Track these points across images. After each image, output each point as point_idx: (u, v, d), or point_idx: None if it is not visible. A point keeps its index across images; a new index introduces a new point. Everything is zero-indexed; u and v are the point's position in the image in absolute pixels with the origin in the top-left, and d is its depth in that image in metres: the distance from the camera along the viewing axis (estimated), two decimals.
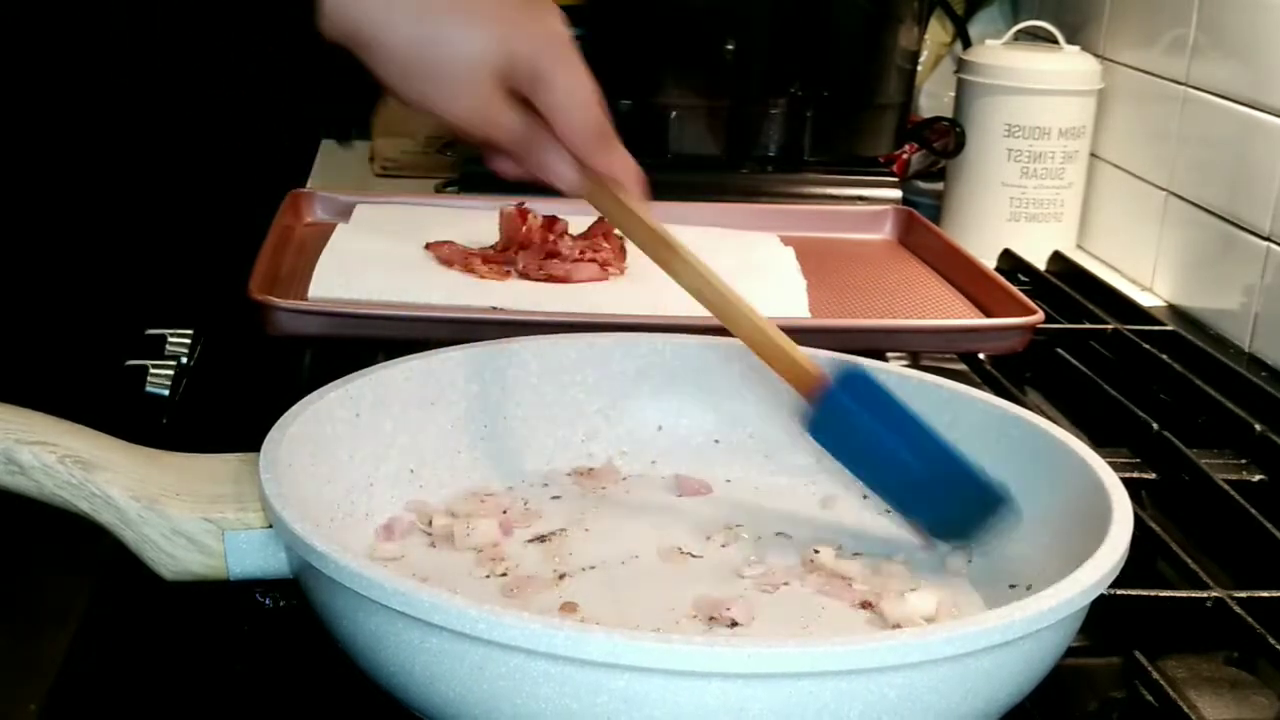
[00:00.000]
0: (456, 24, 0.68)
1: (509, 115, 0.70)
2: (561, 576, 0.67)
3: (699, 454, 0.79)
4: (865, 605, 0.65)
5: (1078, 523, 0.63)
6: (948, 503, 0.69)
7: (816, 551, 0.69)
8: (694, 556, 0.69)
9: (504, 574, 0.67)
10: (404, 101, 0.71)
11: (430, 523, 0.70)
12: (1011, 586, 0.66)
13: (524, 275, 1.02)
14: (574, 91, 0.70)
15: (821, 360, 0.72)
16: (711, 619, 0.63)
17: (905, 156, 1.43)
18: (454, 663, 0.51)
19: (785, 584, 0.67)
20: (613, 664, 0.49)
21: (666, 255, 0.72)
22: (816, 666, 0.49)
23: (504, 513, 0.72)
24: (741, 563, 0.69)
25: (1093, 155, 1.32)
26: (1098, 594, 0.56)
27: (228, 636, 0.64)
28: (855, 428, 0.69)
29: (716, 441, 0.79)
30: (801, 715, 0.50)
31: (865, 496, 0.75)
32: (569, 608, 0.63)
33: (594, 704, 0.50)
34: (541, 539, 0.70)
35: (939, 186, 1.39)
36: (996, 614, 0.53)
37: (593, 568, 0.68)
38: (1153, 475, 0.83)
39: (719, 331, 0.82)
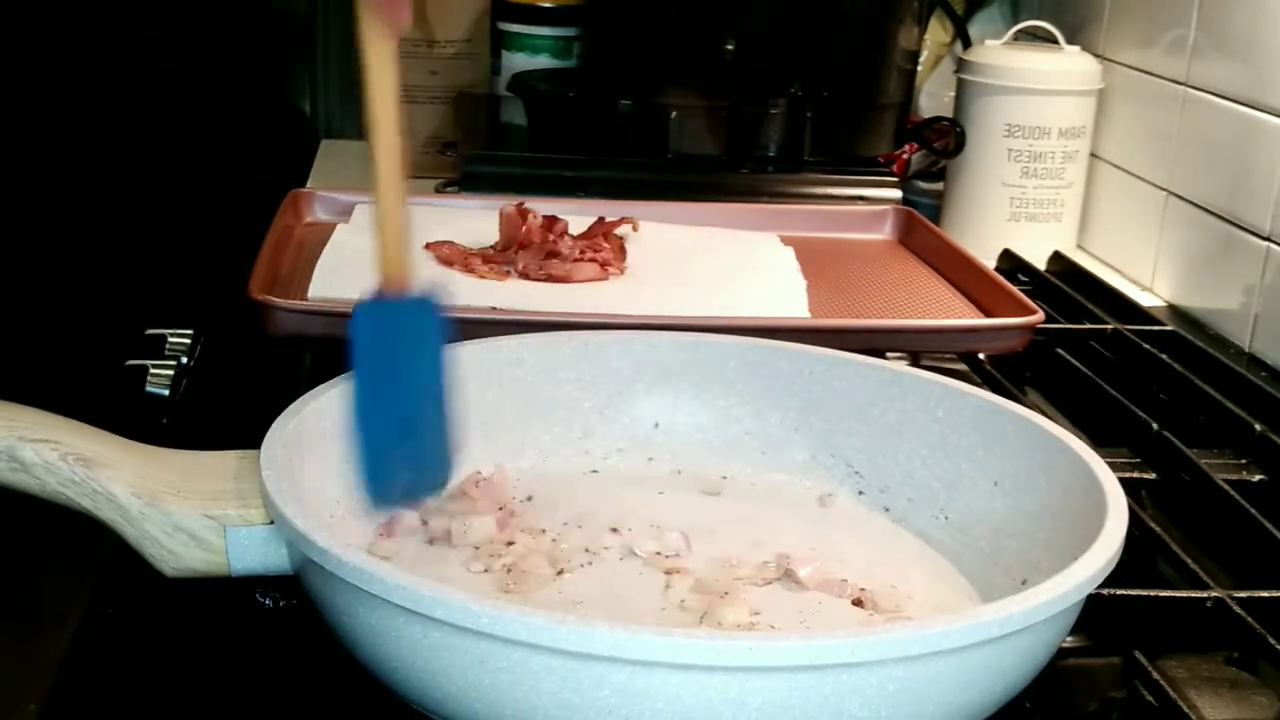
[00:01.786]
0: None
1: None
2: (560, 572, 0.67)
3: (695, 451, 0.79)
4: (859, 602, 0.66)
5: (1073, 517, 0.64)
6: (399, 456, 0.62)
7: (813, 548, 0.69)
8: (691, 552, 0.70)
9: (504, 570, 0.67)
10: None
11: (426, 523, 0.70)
12: (1010, 581, 0.66)
13: (524, 275, 1.02)
14: None
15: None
16: (708, 613, 0.63)
17: (905, 156, 1.43)
18: (456, 657, 0.52)
19: (782, 579, 0.67)
20: (615, 658, 0.49)
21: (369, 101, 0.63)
22: (817, 660, 0.50)
23: (500, 509, 0.72)
24: (738, 558, 0.69)
25: (1093, 155, 1.32)
26: (1094, 587, 0.56)
27: (228, 636, 0.64)
28: (381, 347, 0.62)
29: (713, 438, 0.79)
30: (802, 708, 0.50)
31: (861, 493, 0.75)
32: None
33: (596, 698, 0.50)
34: (539, 535, 0.70)
35: (939, 186, 1.39)
36: (994, 608, 0.53)
37: (590, 564, 0.68)
38: (1153, 475, 0.83)
39: (716, 329, 0.82)
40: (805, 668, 0.50)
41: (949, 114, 1.34)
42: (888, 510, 0.75)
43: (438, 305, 0.63)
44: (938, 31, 1.50)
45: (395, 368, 0.62)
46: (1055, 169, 1.28)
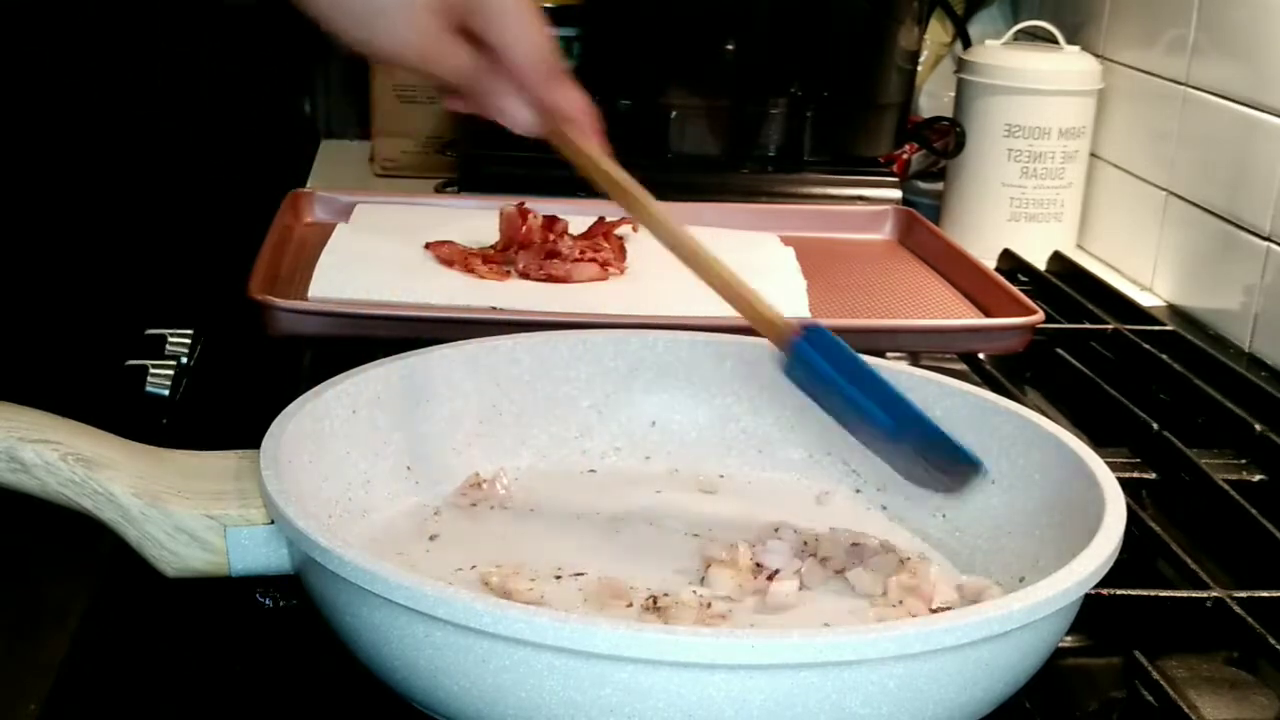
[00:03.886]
0: None
1: (456, 52, 0.67)
2: (558, 576, 0.67)
3: (693, 449, 0.79)
4: (859, 598, 0.66)
5: (1071, 515, 0.64)
6: (918, 454, 0.67)
7: (810, 545, 0.69)
8: (691, 551, 0.70)
9: (500, 568, 0.67)
10: (343, 41, 0.68)
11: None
12: (1009, 579, 0.66)
13: (524, 275, 1.02)
14: (519, 24, 0.67)
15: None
16: (709, 610, 0.63)
17: (905, 156, 1.43)
18: (458, 656, 0.52)
19: (781, 578, 0.67)
20: (617, 656, 0.49)
21: (629, 201, 0.71)
22: (818, 657, 0.50)
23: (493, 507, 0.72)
24: (737, 556, 0.69)
25: (1093, 155, 1.32)
26: (1094, 584, 0.57)
27: (228, 636, 0.64)
28: (824, 375, 0.67)
29: (710, 437, 0.79)
30: (804, 705, 0.50)
31: (858, 491, 0.75)
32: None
33: (598, 696, 0.50)
34: (538, 535, 0.70)
35: (939, 186, 1.39)
36: (995, 604, 0.53)
37: (589, 563, 0.68)
38: (1153, 475, 0.83)
39: (715, 329, 0.82)
40: (807, 665, 0.50)
41: (949, 114, 1.34)
42: (885, 509, 0.75)
43: (822, 330, 0.67)
44: (938, 31, 1.50)
45: (852, 388, 0.67)
46: (1055, 169, 1.28)
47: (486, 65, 0.68)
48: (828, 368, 0.67)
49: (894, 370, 0.77)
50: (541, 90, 0.68)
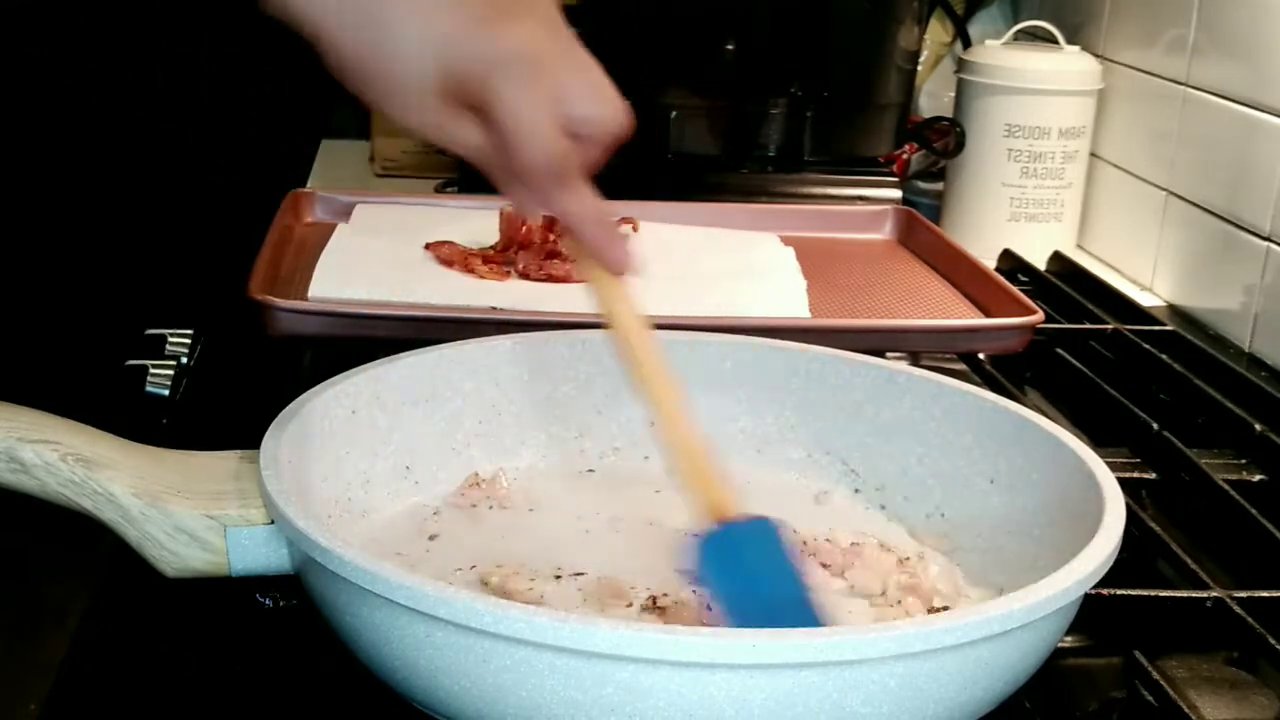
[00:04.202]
0: (398, 18, 0.59)
1: (464, 131, 0.61)
2: (558, 576, 0.67)
3: None
4: (858, 597, 0.66)
5: (1070, 514, 0.64)
6: None
7: (809, 546, 0.70)
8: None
9: (500, 568, 0.67)
10: (362, 101, 0.63)
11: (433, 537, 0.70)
12: (1008, 578, 0.66)
13: (524, 275, 1.02)
14: (522, 122, 0.59)
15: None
16: (710, 610, 0.63)
17: (905, 156, 1.43)
18: (459, 656, 0.52)
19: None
20: (617, 656, 0.49)
21: (621, 342, 0.65)
22: (819, 657, 0.50)
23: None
24: None
25: (1093, 155, 1.32)
26: (1094, 583, 0.57)
27: (228, 637, 0.64)
28: (734, 568, 0.61)
29: (709, 436, 0.79)
30: (804, 705, 0.50)
31: (857, 490, 0.75)
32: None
33: (599, 696, 0.50)
34: (537, 535, 0.71)
35: (939, 186, 1.39)
36: (995, 604, 0.53)
37: (589, 563, 0.68)
38: (1153, 475, 0.83)
39: (715, 329, 0.82)
40: (807, 665, 0.50)
41: (949, 114, 1.34)
42: (884, 508, 0.75)
43: (775, 525, 0.62)
44: (938, 31, 1.50)
45: (752, 584, 0.61)
46: (1055, 169, 1.28)
47: (497, 148, 0.61)
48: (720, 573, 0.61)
49: (892, 371, 0.77)
50: (547, 194, 0.62)
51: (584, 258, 0.64)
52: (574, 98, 0.61)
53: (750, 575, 0.61)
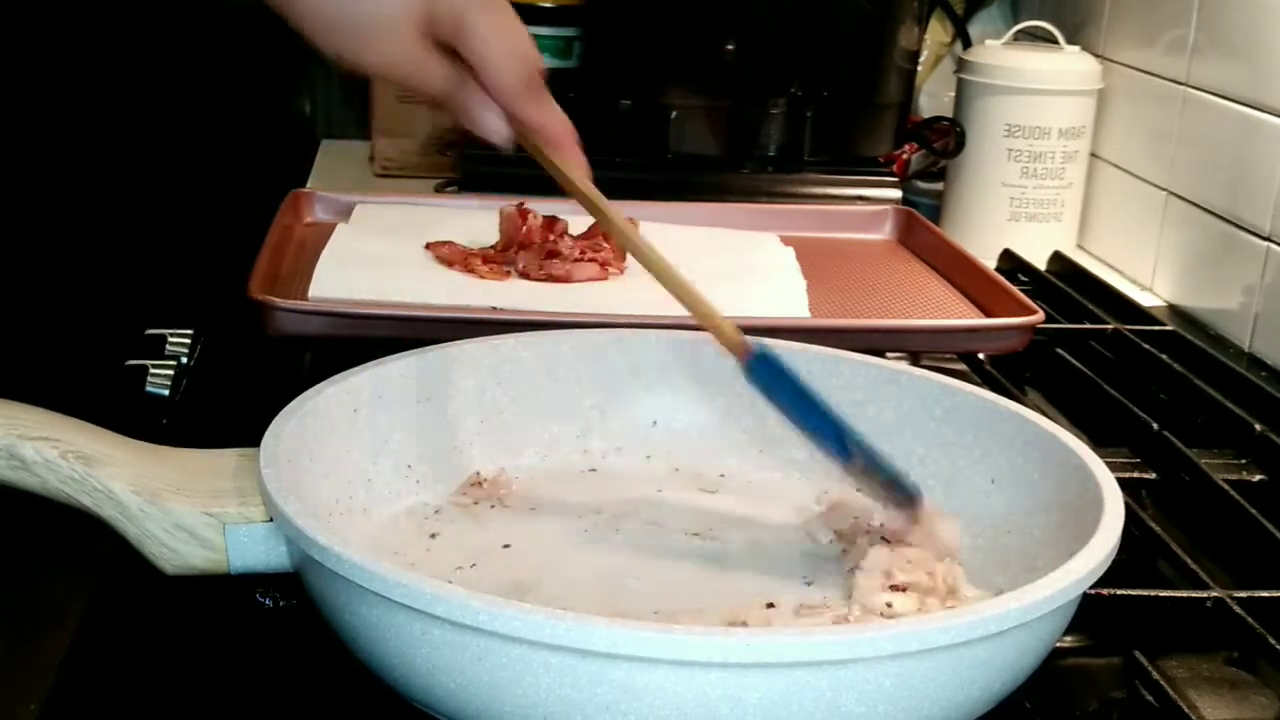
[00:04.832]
0: None
1: (437, 66, 0.69)
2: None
3: (694, 448, 0.79)
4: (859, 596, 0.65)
5: (1070, 514, 0.64)
6: (866, 476, 0.70)
7: (812, 543, 0.69)
8: (691, 550, 0.70)
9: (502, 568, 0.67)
10: (326, 55, 0.69)
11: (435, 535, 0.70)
12: (1007, 578, 0.66)
13: (524, 275, 1.02)
14: (498, 40, 0.69)
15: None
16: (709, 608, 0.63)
17: (905, 156, 1.43)
18: (455, 654, 0.52)
19: (780, 576, 0.67)
20: (613, 654, 0.49)
21: (599, 216, 0.72)
22: (814, 656, 0.50)
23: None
24: (738, 555, 0.69)
25: (1093, 155, 1.32)
26: (1091, 584, 0.56)
27: (228, 636, 0.64)
28: (783, 385, 0.69)
29: (711, 436, 0.79)
30: (799, 704, 0.50)
31: (859, 490, 0.75)
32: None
33: (594, 694, 0.50)
34: (538, 534, 0.70)
35: (939, 186, 1.39)
36: (992, 604, 0.53)
37: (590, 562, 0.68)
38: (1153, 475, 0.83)
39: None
40: (802, 664, 0.50)
41: (949, 114, 1.34)
42: (886, 508, 0.75)
43: (772, 353, 0.69)
44: (938, 31, 1.50)
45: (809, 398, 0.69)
46: (1055, 169, 1.28)
47: (466, 78, 0.69)
48: (773, 393, 0.69)
49: (893, 370, 0.77)
50: (517, 107, 0.70)
51: (549, 161, 0.71)
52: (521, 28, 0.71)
53: (795, 391, 0.68)
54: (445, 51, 0.69)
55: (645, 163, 1.29)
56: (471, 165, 1.30)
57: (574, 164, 0.71)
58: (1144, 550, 0.73)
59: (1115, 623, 0.66)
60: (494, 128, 0.71)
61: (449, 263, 1.03)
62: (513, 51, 0.69)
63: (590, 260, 1.03)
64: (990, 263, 1.14)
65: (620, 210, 0.72)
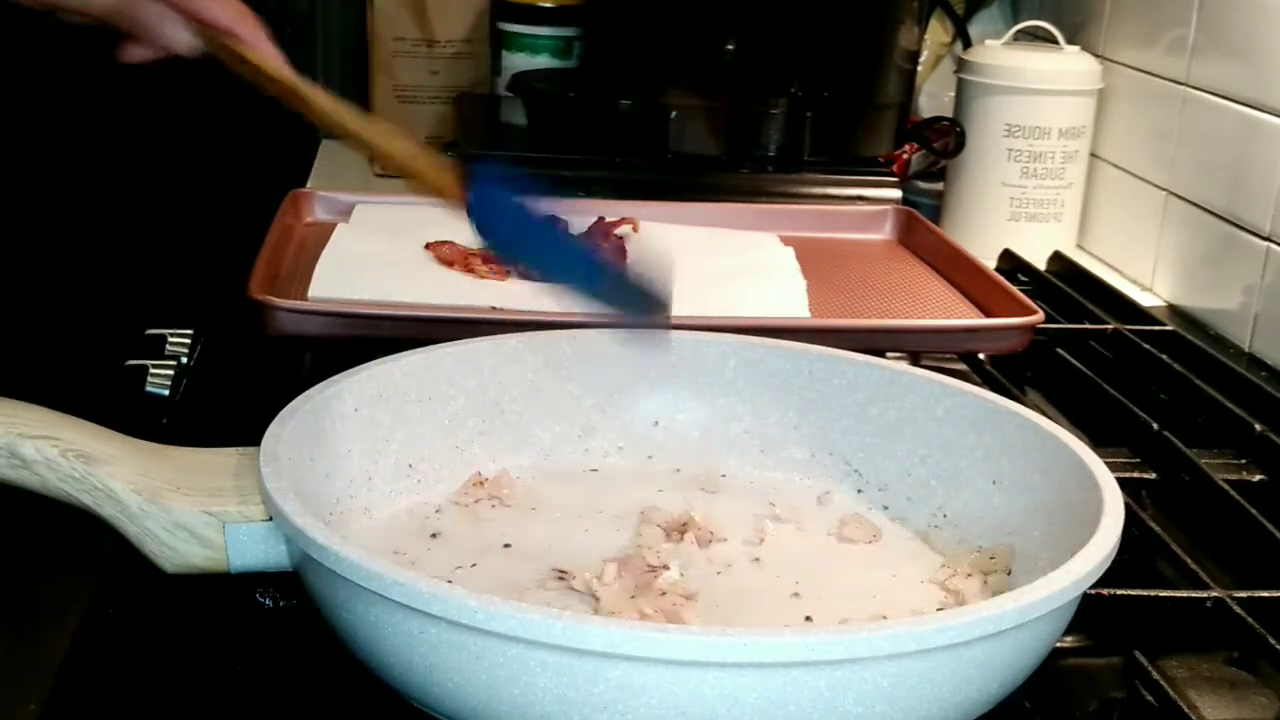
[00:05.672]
0: None
1: None
2: (560, 576, 0.67)
3: (695, 449, 0.79)
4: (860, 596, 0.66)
5: (1070, 515, 0.64)
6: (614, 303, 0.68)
7: (813, 542, 0.69)
8: (691, 550, 0.70)
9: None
10: None
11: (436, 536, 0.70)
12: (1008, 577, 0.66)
13: (524, 275, 1.02)
14: None
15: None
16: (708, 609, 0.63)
17: (905, 156, 1.43)
18: (453, 653, 0.52)
19: (781, 576, 0.67)
20: (610, 654, 0.49)
21: (297, 100, 0.70)
22: (812, 656, 0.50)
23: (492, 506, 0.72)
24: (738, 556, 0.69)
25: (1093, 155, 1.32)
26: (1090, 584, 0.56)
27: (228, 636, 0.64)
28: (508, 215, 0.68)
29: (712, 436, 0.79)
30: (797, 704, 0.50)
31: (860, 491, 0.75)
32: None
33: (591, 693, 0.50)
34: (539, 533, 0.70)
35: (939, 186, 1.39)
36: (990, 604, 0.53)
37: (589, 562, 0.68)
38: (1153, 475, 0.83)
39: (717, 329, 0.82)
40: (800, 664, 0.50)
41: (949, 114, 1.34)
42: (886, 508, 0.75)
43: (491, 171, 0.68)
44: (938, 31, 1.50)
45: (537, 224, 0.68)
46: (1055, 169, 1.28)
47: None
48: (501, 230, 0.68)
49: (894, 371, 0.77)
50: (200, 8, 0.68)
51: (238, 56, 0.70)
52: None
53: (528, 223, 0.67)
54: None
55: (645, 163, 1.29)
56: (471, 165, 1.29)
57: (269, 56, 0.70)
58: (1144, 550, 0.73)
59: (1115, 623, 0.66)
60: (176, 37, 0.69)
61: (449, 263, 1.03)
62: None
63: None
64: (990, 263, 1.14)
65: (320, 90, 0.70)
